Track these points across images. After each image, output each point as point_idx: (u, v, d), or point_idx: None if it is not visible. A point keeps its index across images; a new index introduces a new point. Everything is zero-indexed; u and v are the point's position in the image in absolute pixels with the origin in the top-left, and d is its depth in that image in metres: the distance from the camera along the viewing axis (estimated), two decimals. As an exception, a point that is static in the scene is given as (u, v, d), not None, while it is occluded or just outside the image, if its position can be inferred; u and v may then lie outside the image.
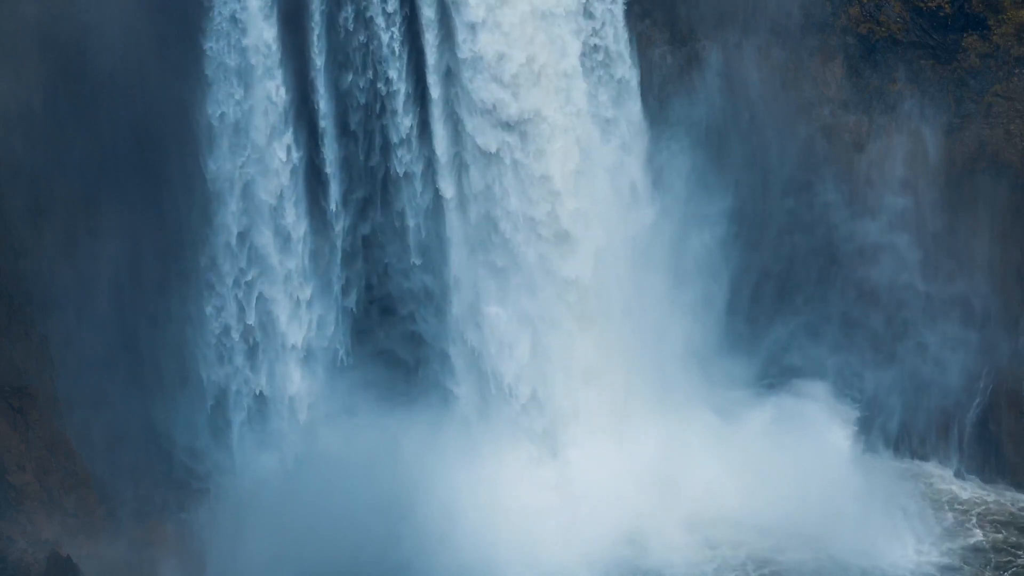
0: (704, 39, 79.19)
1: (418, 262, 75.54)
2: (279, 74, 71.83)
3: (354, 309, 76.22)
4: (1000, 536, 73.24)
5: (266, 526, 69.11)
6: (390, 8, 72.75)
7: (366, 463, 71.55)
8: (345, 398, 75.21)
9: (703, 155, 78.70)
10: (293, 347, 74.30)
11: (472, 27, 72.49)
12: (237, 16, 71.14)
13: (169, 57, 70.90)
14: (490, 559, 69.00)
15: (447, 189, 74.28)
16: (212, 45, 71.12)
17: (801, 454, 74.88)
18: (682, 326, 78.22)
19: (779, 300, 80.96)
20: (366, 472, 71.05)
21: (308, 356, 74.84)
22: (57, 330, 69.21)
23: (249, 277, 73.41)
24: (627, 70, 77.25)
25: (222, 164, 72.11)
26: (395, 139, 74.08)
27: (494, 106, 73.22)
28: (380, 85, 73.49)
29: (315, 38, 72.46)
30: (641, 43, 78.25)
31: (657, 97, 78.72)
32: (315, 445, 73.44)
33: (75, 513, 66.10)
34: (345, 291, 75.86)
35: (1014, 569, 70.69)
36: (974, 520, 74.38)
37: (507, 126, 73.52)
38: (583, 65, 75.60)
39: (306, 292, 74.44)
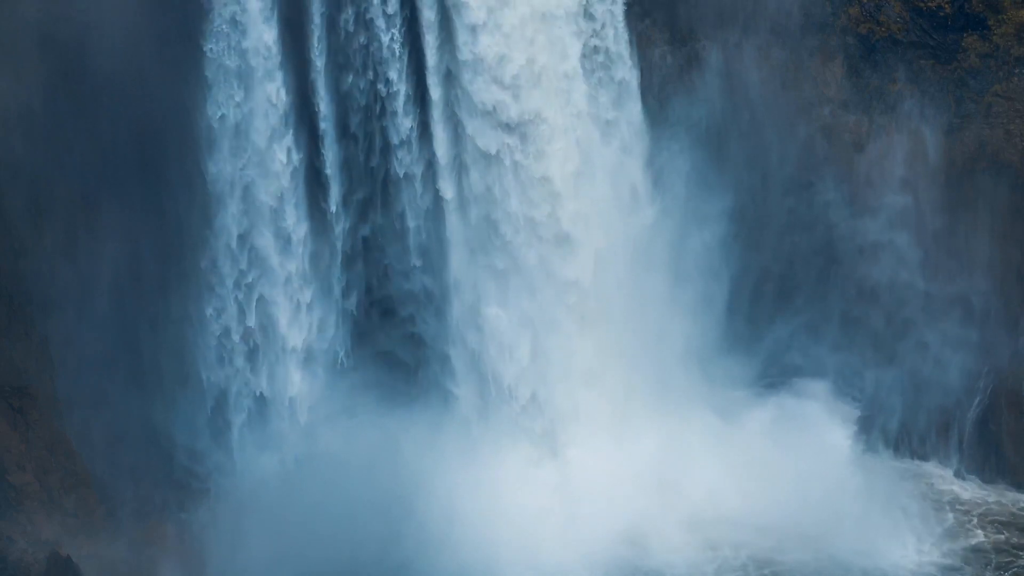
0: (704, 39, 79.24)
1: (418, 263, 75.59)
2: (279, 76, 71.91)
3: (354, 311, 76.29)
4: (1000, 536, 73.24)
5: (266, 526, 69.09)
6: (390, 10, 72.86)
7: (366, 464, 71.55)
8: (345, 399, 75.31)
9: (703, 155, 78.73)
10: (293, 349, 74.39)
11: (473, 29, 72.57)
12: (237, 19, 71.23)
13: (169, 57, 70.90)
14: (490, 559, 68.99)
15: (447, 190, 74.35)
16: (212, 47, 71.16)
17: (801, 454, 74.89)
18: (682, 326, 78.22)
19: (779, 298, 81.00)
20: (366, 473, 71.05)
21: (308, 358, 74.96)
22: (57, 330, 69.17)
23: (249, 279, 73.50)
24: (627, 71, 77.26)
25: (222, 167, 72.18)
26: (395, 141, 74.14)
27: (494, 108, 73.33)
28: (380, 86, 73.55)
29: (315, 40, 72.51)
30: (641, 43, 78.29)
31: (657, 97, 78.77)
32: (315, 446, 73.46)
33: (75, 513, 66.07)
34: (345, 293, 75.90)
35: (1014, 569, 70.67)
36: (974, 520, 74.37)
37: (507, 127, 73.64)
38: (583, 67, 75.65)
39: (307, 295, 74.50)
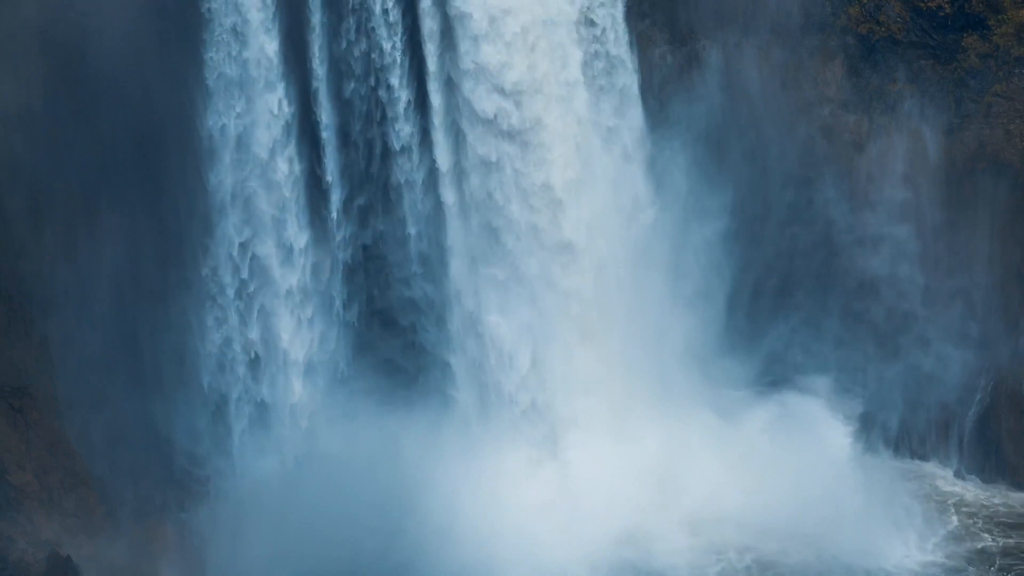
0: (704, 39, 79.24)
1: (419, 271, 75.53)
2: (281, 86, 71.79)
3: (355, 323, 76.15)
4: (1000, 536, 73.28)
5: (266, 526, 69.10)
6: (392, 19, 72.83)
7: (366, 463, 71.56)
8: (346, 404, 75.31)
9: (703, 156, 78.71)
10: (295, 362, 74.29)
11: (475, 39, 72.58)
12: (238, 29, 71.21)
13: (169, 59, 70.89)
14: (490, 559, 69.00)
15: (448, 197, 74.25)
16: (212, 55, 71.02)
17: (801, 454, 74.86)
18: (682, 325, 78.21)
19: (780, 297, 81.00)
20: (366, 472, 71.06)
21: (309, 369, 74.89)
22: (57, 330, 69.15)
23: (251, 290, 73.36)
24: (628, 77, 77.27)
25: (223, 178, 72.02)
26: (396, 147, 74.05)
27: (495, 116, 73.30)
28: (381, 92, 73.46)
29: (316, 49, 72.41)
30: (641, 43, 78.29)
31: (657, 98, 78.77)
32: (315, 446, 73.44)
33: (75, 513, 66.06)
34: (347, 305, 75.73)
35: (1015, 570, 70.71)
36: (974, 520, 74.43)
37: (508, 136, 73.60)
38: (584, 74, 75.60)
39: (308, 311, 74.35)
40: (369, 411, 74.89)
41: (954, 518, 74.70)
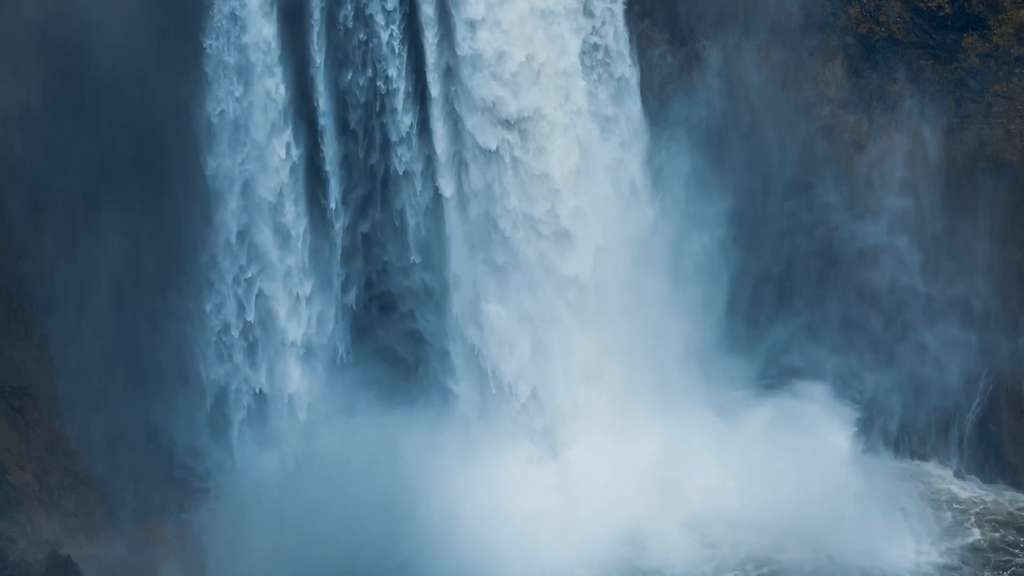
0: (704, 39, 79.25)
1: (418, 260, 75.60)
2: (279, 71, 71.94)
3: (354, 306, 76.27)
4: (1000, 536, 73.25)
5: (266, 526, 69.14)
6: (390, 6, 72.91)
7: (366, 463, 71.58)
8: (345, 397, 75.31)
9: (703, 155, 78.76)
10: (293, 344, 74.35)
11: (471, 24, 72.63)
12: (237, 14, 71.28)
13: (169, 54, 70.91)
14: (490, 559, 69.03)
15: (447, 188, 74.36)
16: (212, 43, 71.21)
17: (801, 454, 74.90)
18: (683, 325, 78.23)
19: (782, 287, 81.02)
20: (366, 472, 71.08)
21: (308, 353, 74.92)
22: (57, 330, 69.18)
23: (249, 274, 73.47)
24: (627, 68, 77.31)
25: (222, 161, 72.18)
26: (395, 138, 74.16)
27: (494, 104, 73.37)
28: (380, 84, 73.60)
29: (315, 36, 72.55)
30: (641, 43, 78.30)
31: (657, 97, 78.80)
32: (315, 446, 73.46)
33: (75, 513, 66.07)
34: (345, 288, 75.85)
35: (1013, 569, 70.69)
36: (974, 520, 74.40)
37: (507, 124, 73.70)
38: (583, 63, 75.69)
39: (306, 288, 74.45)
40: (369, 402, 74.93)
41: (953, 517, 74.62)
